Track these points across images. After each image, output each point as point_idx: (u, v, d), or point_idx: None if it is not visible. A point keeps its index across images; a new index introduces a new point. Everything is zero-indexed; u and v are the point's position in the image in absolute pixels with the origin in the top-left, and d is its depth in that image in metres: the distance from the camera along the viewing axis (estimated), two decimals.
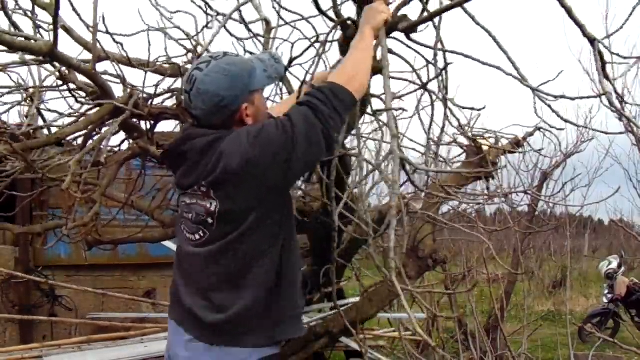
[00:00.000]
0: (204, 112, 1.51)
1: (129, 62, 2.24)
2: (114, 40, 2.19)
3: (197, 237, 1.56)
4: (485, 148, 2.43)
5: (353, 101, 1.54)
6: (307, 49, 2.62)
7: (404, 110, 2.42)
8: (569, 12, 1.59)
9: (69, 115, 2.36)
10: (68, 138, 2.22)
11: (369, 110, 2.29)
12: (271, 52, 1.90)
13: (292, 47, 2.63)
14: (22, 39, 1.72)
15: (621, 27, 1.73)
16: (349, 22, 2.01)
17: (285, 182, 1.53)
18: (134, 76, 2.49)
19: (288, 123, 1.45)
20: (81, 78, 2.30)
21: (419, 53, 2.02)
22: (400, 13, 1.86)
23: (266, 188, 1.48)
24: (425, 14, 1.82)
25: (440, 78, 1.98)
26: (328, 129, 1.48)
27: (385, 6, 1.72)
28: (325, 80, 1.58)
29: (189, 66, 2.55)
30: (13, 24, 1.82)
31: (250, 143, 1.44)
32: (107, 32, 2.18)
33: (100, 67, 2.31)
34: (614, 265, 7.47)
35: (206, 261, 1.55)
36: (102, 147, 2.03)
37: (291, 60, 2.65)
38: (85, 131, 2.15)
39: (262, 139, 1.44)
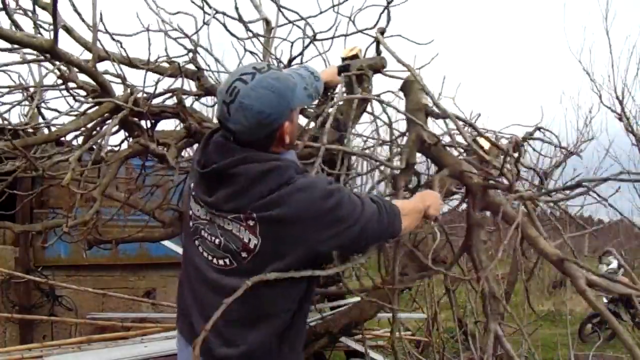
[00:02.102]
0: (244, 128, 1.40)
1: (129, 62, 2.24)
2: (113, 39, 2.19)
3: (222, 263, 1.48)
4: (486, 147, 2.42)
5: (397, 230, 1.61)
6: (306, 47, 2.62)
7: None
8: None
9: (69, 114, 2.36)
10: (68, 136, 2.22)
11: (369, 109, 2.29)
12: (308, 68, 1.85)
13: (292, 46, 2.63)
14: (23, 34, 1.72)
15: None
16: None
17: (328, 252, 1.54)
18: (134, 76, 2.50)
19: (359, 201, 1.48)
20: (81, 77, 2.30)
21: None
22: None
23: (315, 253, 1.45)
24: None
25: None
26: (378, 232, 1.54)
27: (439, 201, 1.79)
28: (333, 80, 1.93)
29: (189, 66, 2.55)
30: (14, 23, 1.83)
31: (324, 201, 1.41)
32: (107, 32, 2.19)
33: (101, 67, 2.32)
34: (614, 265, 7.46)
35: (229, 294, 1.41)
36: (102, 144, 2.03)
37: (291, 60, 2.66)
38: (85, 129, 2.15)
39: (337, 202, 1.42)
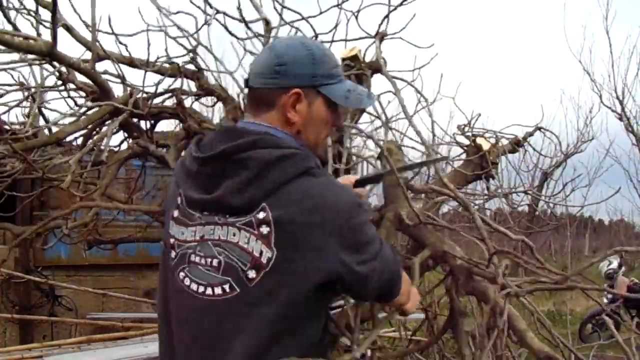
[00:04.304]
0: (256, 68, 1.21)
1: (131, 61, 2.24)
2: (119, 41, 2.19)
3: (219, 292, 1.11)
4: (485, 147, 2.43)
5: (395, 294, 1.33)
6: None
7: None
8: None
9: (70, 115, 2.36)
10: (68, 138, 2.22)
11: (369, 109, 2.29)
12: (370, 91, 1.57)
13: None
14: (22, 39, 1.73)
15: None
16: None
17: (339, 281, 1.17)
18: (133, 76, 2.49)
19: (377, 235, 1.25)
20: (80, 78, 2.30)
21: None
22: None
23: (335, 275, 1.13)
24: None
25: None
26: (385, 284, 1.26)
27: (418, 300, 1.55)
28: None
29: (189, 66, 2.55)
30: (12, 25, 1.83)
31: (352, 213, 1.13)
32: (110, 32, 2.19)
33: (100, 66, 2.32)
34: (614, 265, 7.47)
35: (225, 331, 1.11)
36: (102, 145, 2.03)
37: None
38: (85, 130, 2.15)
39: (365, 221, 1.18)
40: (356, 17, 2.50)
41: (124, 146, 2.57)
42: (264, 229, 1.08)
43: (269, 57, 1.20)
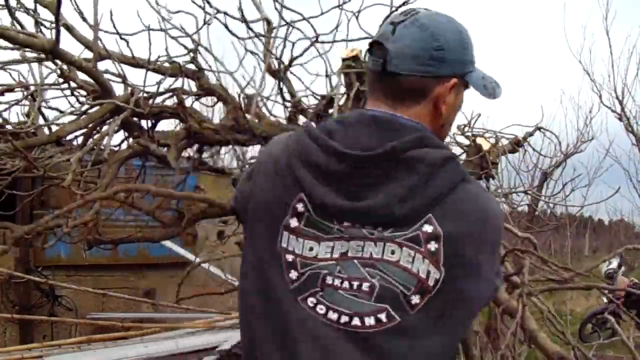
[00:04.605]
0: (404, 48, 0.95)
1: (134, 61, 2.25)
2: (122, 38, 2.19)
3: (371, 323, 0.90)
4: (485, 147, 2.43)
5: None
6: (307, 48, 2.62)
7: None
8: None
9: (71, 114, 2.36)
10: (68, 137, 2.23)
11: None
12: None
13: (293, 47, 2.63)
14: (25, 35, 1.73)
15: None
16: None
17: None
18: (134, 75, 2.50)
19: None
20: (82, 76, 2.30)
21: None
22: None
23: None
24: None
25: None
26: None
27: None
28: None
29: (189, 65, 2.56)
30: (16, 21, 1.83)
31: (500, 230, 0.98)
32: (112, 32, 2.19)
33: (101, 66, 2.32)
34: (614, 265, 7.48)
35: None
36: (103, 144, 2.03)
37: (292, 60, 2.66)
38: (85, 129, 2.15)
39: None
40: (357, 18, 2.50)
41: (125, 145, 2.57)
42: (432, 246, 0.89)
43: (424, 38, 0.95)
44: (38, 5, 2.23)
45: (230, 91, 2.73)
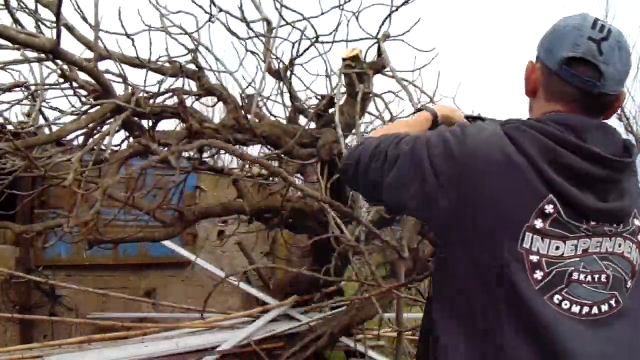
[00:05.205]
0: (617, 73, 1.03)
1: (135, 61, 2.25)
2: (129, 37, 2.19)
3: (604, 309, 1.02)
4: None
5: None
6: (308, 48, 2.62)
7: None
8: None
9: (71, 113, 2.36)
10: (69, 136, 2.23)
11: (371, 109, 2.30)
12: None
13: (293, 47, 2.64)
14: (26, 35, 1.73)
15: None
16: None
17: None
18: (135, 75, 2.50)
19: None
20: (82, 76, 2.30)
21: None
22: None
23: None
24: None
25: None
26: None
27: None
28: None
29: (189, 65, 2.56)
30: (16, 21, 1.83)
31: None
32: (113, 31, 2.19)
33: (102, 66, 2.32)
34: None
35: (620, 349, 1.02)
36: (104, 144, 2.03)
37: (292, 60, 2.66)
38: (86, 129, 2.15)
39: None
40: (357, 18, 2.51)
41: (125, 145, 2.58)
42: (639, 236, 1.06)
43: (625, 61, 1.05)
44: (38, 5, 2.23)
45: (231, 91, 2.74)
